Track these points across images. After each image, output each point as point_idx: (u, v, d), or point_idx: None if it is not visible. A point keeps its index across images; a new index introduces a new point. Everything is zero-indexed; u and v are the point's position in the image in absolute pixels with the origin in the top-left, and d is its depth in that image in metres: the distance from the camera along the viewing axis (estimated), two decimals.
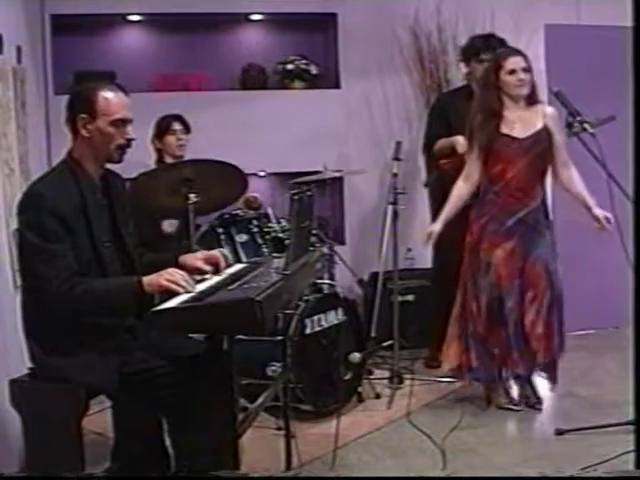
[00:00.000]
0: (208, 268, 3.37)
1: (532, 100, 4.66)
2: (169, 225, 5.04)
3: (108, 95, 3.18)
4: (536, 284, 4.61)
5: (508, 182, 4.61)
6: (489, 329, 4.65)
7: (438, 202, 5.63)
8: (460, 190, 4.77)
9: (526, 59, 4.62)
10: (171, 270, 3.11)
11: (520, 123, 4.62)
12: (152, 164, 5.24)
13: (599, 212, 4.56)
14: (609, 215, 4.50)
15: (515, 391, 4.83)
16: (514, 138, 4.59)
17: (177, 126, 5.26)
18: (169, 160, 5.22)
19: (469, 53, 5.54)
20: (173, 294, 3.01)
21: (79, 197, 3.14)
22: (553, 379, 4.78)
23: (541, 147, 4.60)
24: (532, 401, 4.78)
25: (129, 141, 3.23)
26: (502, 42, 5.47)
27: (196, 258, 3.42)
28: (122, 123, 3.20)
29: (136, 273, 3.23)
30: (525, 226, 4.62)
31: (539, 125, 4.61)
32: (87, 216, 3.14)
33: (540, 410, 4.74)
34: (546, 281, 4.61)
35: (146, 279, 3.05)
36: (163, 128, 5.25)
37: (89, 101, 3.16)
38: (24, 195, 3.17)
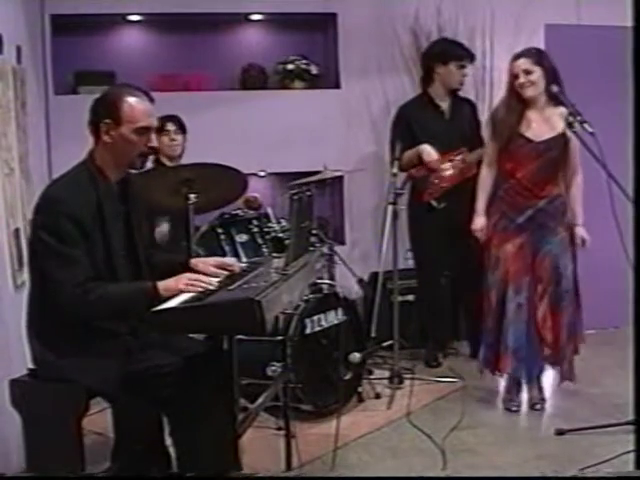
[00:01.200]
0: (220, 272, 3.37)
1: (553, 100, 4.61)
2: (158, 234, 5.03)
3: (133, 102, 3.15)
4: (544, 279, 4.64)
5: (518, 181, 4.63)
6: (498, 324, 4.68)
7: (414, 206, 5.66)
8: (486, 178, 4.84)
9: (531, 60, 4.57)
10: (190, 275, 3.13)
11: (538, 124, 4.61)
12: (150, 164, 5.23)
13: (578, 232, 4.69)
14: (586, 237, 4.68)
15: (520, 390, 4.84)
16: (529, 140, 4.59)
17: (170, 126, 5.23)
18: (165, 160, 5.21)
19: (450, 56, 5.58)
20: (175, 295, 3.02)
21: (96, 203, 3.12)
22: (564, 375, 4.78)
23: (555, 152, 4.60)
24: (535, 401, 4.78)
25: (151, 149, 3.23)
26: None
27: (208, 264, 3.41)
28: (146, 131, 3.18)
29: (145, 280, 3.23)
30: (535, 224, 4.65)
31: (558, 129, 4.59)
32: (103, 222, 3.13)
33: (541, 410, 4.74)
34: (553, 277, 4.64)
35: (162, 284, 3.05)
36: (158, 129, 5.23)
37: (114, 107, 3.14)
38: (42, 197, 3.14)
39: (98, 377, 3.06)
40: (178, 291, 3.04)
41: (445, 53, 5.60)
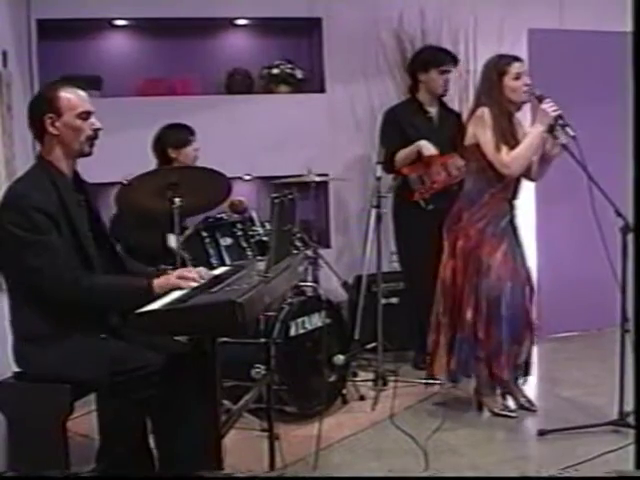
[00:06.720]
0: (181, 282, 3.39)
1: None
2: (174, 240, 4.97)
3: (68, 92, 3.29)
4: (525, 282, 4.67)
5: (506, 185, 4.62)
6: (488, 332, 4.61)
7: (401, 207, 5.68)
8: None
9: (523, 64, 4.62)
10: (183, 270, 3.34)
11: (519, 128, 4.65)
12: (145, 167, 5.18)
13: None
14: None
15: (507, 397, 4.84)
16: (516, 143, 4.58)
17: (193, 138, 5.14)
18: None
19: (431, 63, 5.57)
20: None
21: (57, 195, 3.22)
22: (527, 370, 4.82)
23: None
24: (525, 404, 4.78)
25: (96, 131, 3.33)
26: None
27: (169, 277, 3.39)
28: (87, 115, 3.31)
29: (123, 264, 3.43)
30: (512, 227, 4.69)
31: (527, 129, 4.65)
32: (68, 213, 3.22)
33: (535, 411, 4.73)
34: (528, 278, 4.71)
35: (157, 282, 3.17)
36: (182, 141, 5.11)
37: (52, 101, 3.27)
38: (6, 196, 3.23)
39: (86, 371, 3.13)
40: (169, 284, 3.17)
41: (425, 60, 5.61)
